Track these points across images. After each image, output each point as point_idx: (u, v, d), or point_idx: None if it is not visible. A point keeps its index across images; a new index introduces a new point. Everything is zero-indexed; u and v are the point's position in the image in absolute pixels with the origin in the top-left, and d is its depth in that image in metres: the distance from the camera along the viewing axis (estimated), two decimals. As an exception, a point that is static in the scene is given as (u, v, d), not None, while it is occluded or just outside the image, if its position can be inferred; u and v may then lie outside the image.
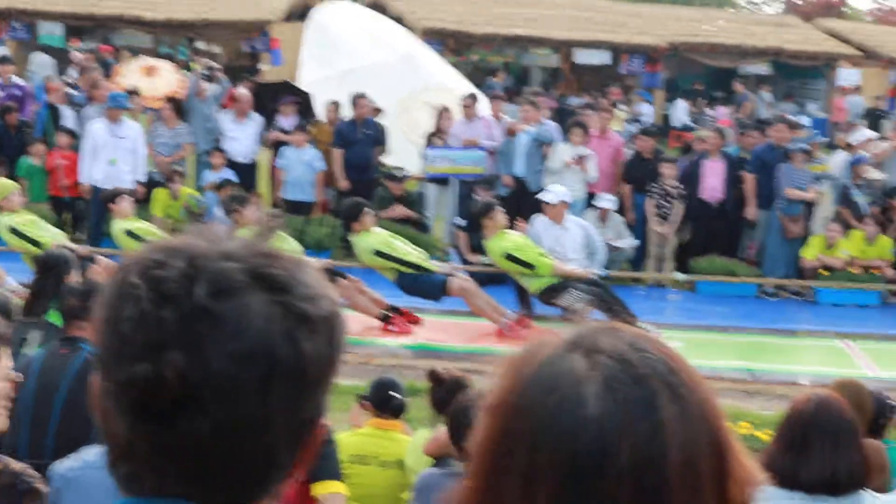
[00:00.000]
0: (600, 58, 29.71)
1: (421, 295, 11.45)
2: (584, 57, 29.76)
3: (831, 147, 18.67)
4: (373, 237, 11.51)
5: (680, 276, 13.87)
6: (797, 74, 34.24)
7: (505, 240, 11.39)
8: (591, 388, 1.15)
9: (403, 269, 11.31)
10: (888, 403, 5.93)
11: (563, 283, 11.24)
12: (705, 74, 32.37)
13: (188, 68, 20.79)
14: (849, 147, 14.90)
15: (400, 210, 14.32)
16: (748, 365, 10.86)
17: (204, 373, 1.16)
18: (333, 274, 10.58)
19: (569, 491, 1.13)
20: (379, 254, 11.36)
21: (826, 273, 13.67)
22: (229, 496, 1.23)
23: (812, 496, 3.94)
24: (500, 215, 11.46)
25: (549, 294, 11.33)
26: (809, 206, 14.30)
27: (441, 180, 15.11)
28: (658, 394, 1.16)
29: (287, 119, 15.77)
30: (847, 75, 32.99)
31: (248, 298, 1.19)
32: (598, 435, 1.13)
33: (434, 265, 11.59)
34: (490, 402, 1.22)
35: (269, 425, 1.21)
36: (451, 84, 18.01)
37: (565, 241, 12.25)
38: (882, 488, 4.77)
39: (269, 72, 22.29)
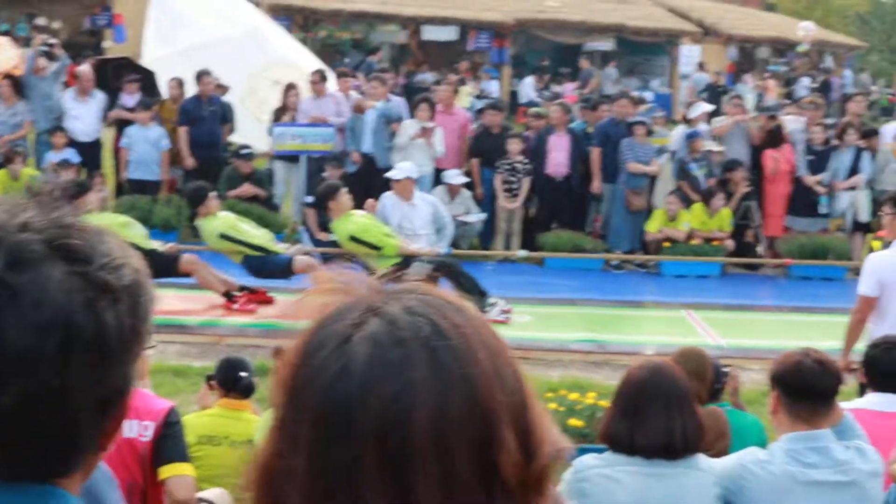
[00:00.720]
0: (448, 34, 29.83)
1: (270, 276, 11.36)
2: (431, 33, 29.84)
3: (674, 122, 19.11)
4: (218, 221, 11.39)
5: (522, 253, 14.03)
6: (641, 51, 34.92)
7: (349, 222, 11.30)
8: (354, 348, 1.15)
9: (249, 251, 11.22)
10: (722, 369, 6.13)
11: (409, 262, 11.29)
12: (552, 51, 32.82)
13: (28, 44, 20.15)
14: (687, 121, 15.25)
15: (248, 188, 14.15)
16: (595, 336, 11.05)
17: (1, 345, 1.16)
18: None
19: (321, 448, 1.14)
20: (224, 237, 11.26)
21: (669, 245, 14.01)
22: (33, 470, 1.22)
23: (649, 461, 4.04)
24: (344, 197, 11.38)
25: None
26: (653, 179, 14.63)
27: (290, 158, 14.98)
28: (414, 356, 1.15)
29: (131, 97, 15.42)
30: (688, 52, 33.79)
31: (47, 269, 1.19)
32: (347, 393, 1.13)
33: (280, 247, 11.51)
34: (281, 359, 1.22)
35: (71, 397, 1.19)
36: (299, 60, 17.86)
37: (414, 218, 12.27)
38: (723, 452, 4.91)
39: (112, 49, 21.78)
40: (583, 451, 4.43)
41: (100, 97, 15.41)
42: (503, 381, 1.18)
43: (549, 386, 9.02)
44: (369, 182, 13.91)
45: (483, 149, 14.60)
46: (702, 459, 4.14)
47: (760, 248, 14.71)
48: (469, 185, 14.32)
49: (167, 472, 4.35)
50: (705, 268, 14.03)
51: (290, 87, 15.16)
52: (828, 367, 4.17)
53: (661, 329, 11.44)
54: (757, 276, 14.60)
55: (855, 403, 5.45)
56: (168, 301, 10.16)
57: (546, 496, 1.20)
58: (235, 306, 11.25)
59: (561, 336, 11.07)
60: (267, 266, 11.24)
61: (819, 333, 10.00)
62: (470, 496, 1.13)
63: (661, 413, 4.02)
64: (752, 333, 11.43)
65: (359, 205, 12.04)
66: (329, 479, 1.13)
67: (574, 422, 7.44)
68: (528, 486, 1.17)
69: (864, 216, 14.38)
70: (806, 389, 4.15)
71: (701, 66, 32.19)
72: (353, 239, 11.20)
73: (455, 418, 1.13)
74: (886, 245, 7.91)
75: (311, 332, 1.20)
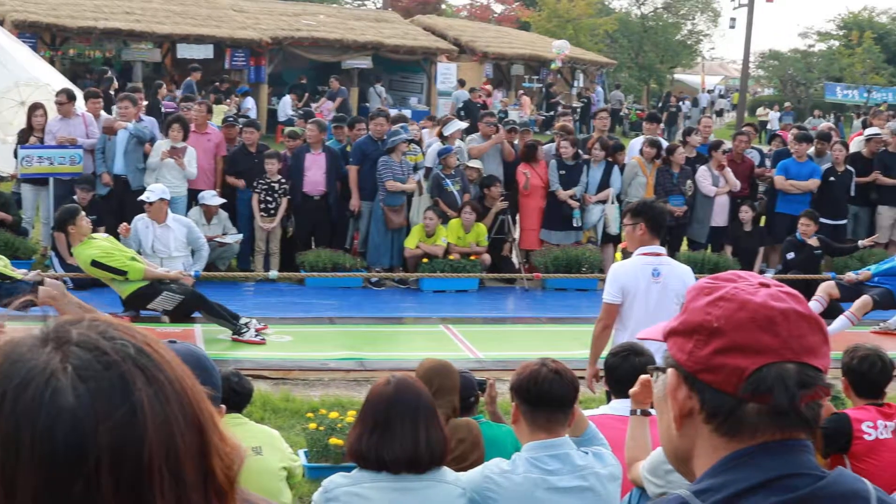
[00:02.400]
0: (203, 52, 29.42)
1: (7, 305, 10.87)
2: (186, 51, 29.38)
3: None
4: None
5: (273, 274, 13.93)
6: (398, 68, 35.33)
7: (90, 246, 10.90)
8: (63, 380, 1.14)
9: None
10: (475, 381, 6.23)
11: (155, 287, 11.05)
12: (310, 68, 32.80)
13: None
14: (442, 138, 15.46)
15: (-7, 214, 13.55)
16: (355, 354, 11.04)
17: None
18: None
19: (53, 487, 1.12)
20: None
21: (427, 261, 14.16)
22: None
23: (396, 476, 4.06)
24: (83, 221, 10.99)
25: (140, 299, 11.12)
26: (410, 196, 14.76)
27: (38, 180, 14.39)
28: (131, 377, 1.17)
29: None
30: (445, 69, 34.39)
31: None
32: (75, 425, 1.13)
33: (19, 272, 11.00)
34: None
35: None
36: (46, 79, 17.24)
37: (168, 240, 12.06)
38: (478, 462, 4.97)
39: None
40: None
41: None
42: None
43: (310, 406, 8.98)
44: (122, 204, 13.55)
45: (240, 169, 14.42)
46: (447, 472, 4.19)
47: (516, 261, 15.08)
48: (225, 206, 14.09)
49: None
50: (464, 282, 14.25)
51: (36, 108, 14.56)
52: (564, 375, 4.28)
53: (420, 344, 11.52)
54: (514, 288, 14.92)
55: (598, 410, 5.63)
56: None
57: (236, 497, 1.27)
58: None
59: (321, 355, 11.02)
60: (9, 294, 10.72)
61: (574, 343, 10.28)
62: (196, 502, 1.19)
63: (407, 427, 4.05)
64: (509, 345, 11.64)
65: (112, 228, 11.71)
66: None
67: (335, 440, 7.40)
68: (232, 487, 1.25)
69: (614, 228, 14.90)
70: (543, 398, 4.24)
71: (461, 84, 32.82)
72: (95, 264, 10.85)
73: (178, 430, 1.17)
74: (628, 255, 8.23)
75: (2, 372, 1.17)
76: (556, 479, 4.18)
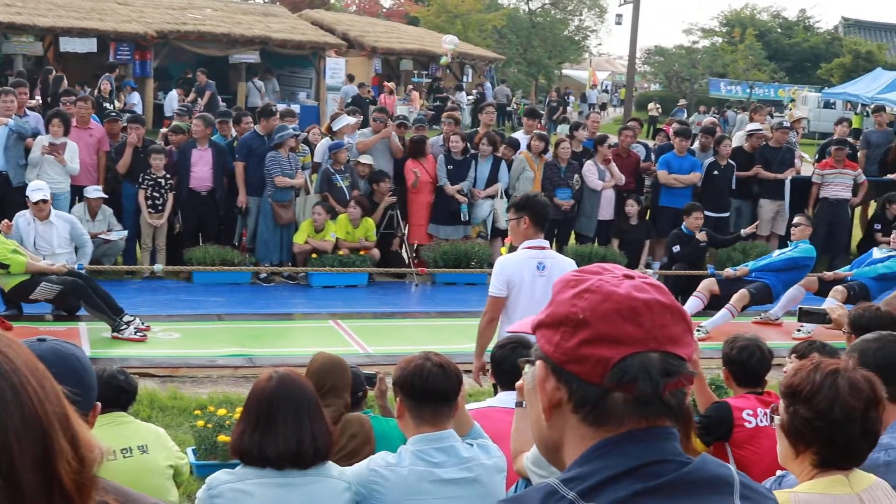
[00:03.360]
0: (86, 46, 28.87)
1: None
2: (69, 45, 28.80)
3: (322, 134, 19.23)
4: None
5: (158, 268, 13.73)
6: (287, 63, 35.08)
7: (-30, 241, 10.77)
8: None
9: None
10: (364, 376, 6.23)
11: (36, 279, 10.88)
12: (197, 63, 32.39)
13: None
14: (331, 133, 15.41)
15: None
16: (244, 351, 10.96)
17: None
18: None
19: None
20: None
21: (316, 256, 14.11)
22: None
23: (280, 471, 4.05)
24: None
25: (22, 293, 10.95)
26: (299, 192, 14.68)
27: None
28: None
29: None
30: (334, 64, 34.28)
31: None
32: None
33: None
34: None
35: None
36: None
37: (51, 237, 11.84)
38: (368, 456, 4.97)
39: None
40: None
41: None
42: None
43: (198, 403, 8.90)
44: (2, 201, 13.26)
45: (125, 164, 14.17)
46: (332, 467, 4.19)
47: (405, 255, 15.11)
48: (109, 202, 13.85)
49: None
50: (353, 278, 14.23)
51: None
52: (448, 369, 4.31)
53: (309, 340, 11.44)
54: (403, 283, 14.95)
55: (485, 402, 5.68)
56: None
57: (93, 499, 1.27)
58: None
59: (209, 352, 10.91)
60: None
61: (463, 337, 10.31)
62: None
63: (290, 422, 4.04)
64: (398, 340, 11.67)
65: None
66: None
67: (223, 438, 7.33)
68: (83, 491, 1.25)
69: (503, 223, 14.99)
70: (428, 393, 4.27)
71: (350, 79, 32.72)
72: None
73: (14, 436, 1.17)
74: (512, 249, 8.30)
75: None
76: (442, 472, 4.21)
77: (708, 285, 12.62)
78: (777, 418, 3.32)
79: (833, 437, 3.15)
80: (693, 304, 12.43)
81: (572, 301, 1.77)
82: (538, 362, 1.80)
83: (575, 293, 1.78)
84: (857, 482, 3.17)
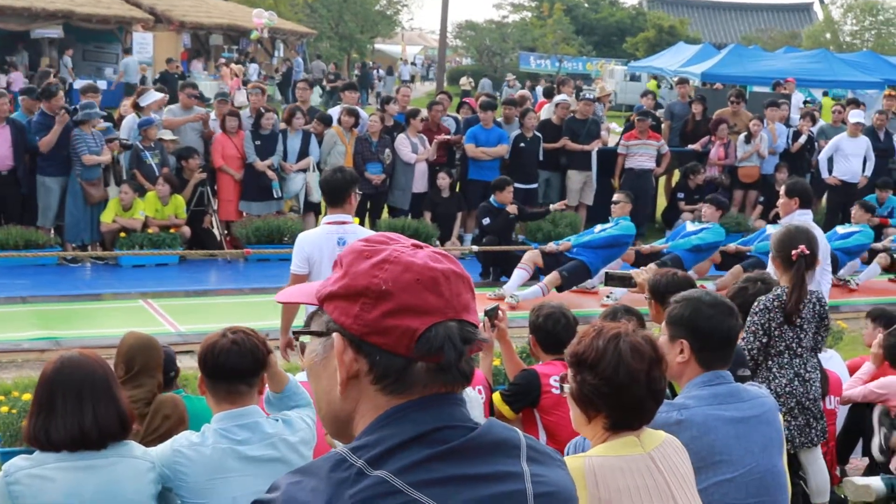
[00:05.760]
0: None
1: None
2: None
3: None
4: None
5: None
6: (92, 38, 34.17)
7: None
8: None
9: None
10: (175, 356, 6.19)
11: None
12: (-2, 38, 31.27)
13: None
14: (138, 109, 15.08)
15: None
16: (50, 333, 10.68)
17: None
18: None
19: None
20: None
21: (125, 235, 13.82)
22: None
23: (78, 454, 3.99)
24: None
25: None
26: (108, 169, 14.33)
27: None
28: None
29: None
30: (141, 39, 33.51)
31: None
32: None
33: None
34: None
35: None
36: None
37: None
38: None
39: None
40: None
41: None
42: None
43: (3, 388, 8.64)
44: None
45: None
46: (135, 447, 4.15)
47: (217, 233, 14.93)
48: None
49: None
50: (164, 256, 13.99)
51: None
52: (243, 346, 4.30)
53: (119, 321, 11.21)
54: (216, 261, 14.78)
55: (299, 376, 5.70)
56: None
57: None
58: None
59: (14, 336, 10.61)
60: None
61: (277, 313, 10.23)
62: None
63: (70, 406, 3.98)
64: (211, 318, 11.53)
65: None
66: None
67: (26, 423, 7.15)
68: None
69: (316, 197, 14.96)
70: (220, 370, 4.27)
71: (128, 52, 31.92)
72: None
73: None
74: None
75: None
76: (247, 449, 4.20)
77: (532, 257, 12.82)
78: (567, 387, 3.40)
79: (621, 401, 3.24)
80: (519, 275, 12.67)
81: (372, 272, 1.76)
82: (335, 335, 1.78)
83: (373, 264, 1.77)
84: (648, 441, 3.28)
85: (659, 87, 37.55)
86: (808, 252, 6.07)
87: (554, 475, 1.84)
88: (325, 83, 38.96)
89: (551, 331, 6.05)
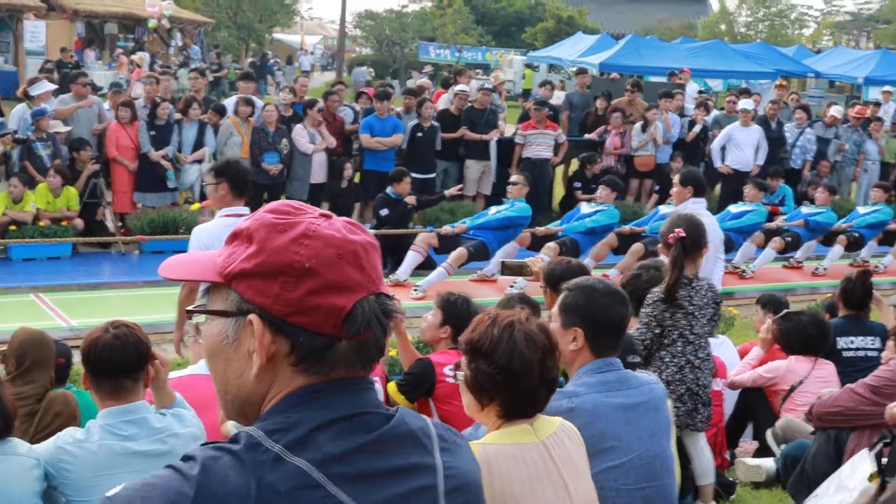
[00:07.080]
0: None
1: None
2: None
3: (18, 100, 18.42)
4: None
5: None
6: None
7: None
8: None
9: None
10: (69, 350, 6.10)
11: None
12: None
13: None
14: (29, 99, 14.76)
15: None
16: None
17: None
18: None
19: None
20: None
21: (16, 228, 13.53)
22: None
23: None
24: None
25: None
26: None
27: None
28: None
29: None
30: (33, 27, 32.84)
31: None
32: None
33: None
34: None
35: None
36: None
37: None
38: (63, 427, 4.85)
39: None
40: None
41: None
42: None
43: None
44: None
45: None
46: (19, 444, 4.07)
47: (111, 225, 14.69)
48: None
49: None
50: (55, 249, 13.72)
51: None
52: (126, 341, 4.23)
53: (8, 316, 10.96)
54: (109, 254, 14.52)
55: (186, 370, 5.62)
56: None
57: None
58: None
59: None
60: None
61: (172, 306, 10.12)
62: None
63: None
64: (105, 311, 11.25)
65: None
66: None
67: None
68: None
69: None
70: (102, 365, 4.19)
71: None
72: None
73: None
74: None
75: None
76: (134, 444, 4.13)
77: (426, 238, 12.83)
78: (461, 374, 3.39)
79: (515, 389, 3.25)
80: (412, 258, 12.69)
81: (292, 248, 1.66)
82: (252, 316, 1.67)
83: (292, 239, 1.67)
84: (542, 429, 3.30)
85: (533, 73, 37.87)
86: (683, 235, 6.14)
87: (464, 465, 1.82)
88: (208, 73, 38.49)
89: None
